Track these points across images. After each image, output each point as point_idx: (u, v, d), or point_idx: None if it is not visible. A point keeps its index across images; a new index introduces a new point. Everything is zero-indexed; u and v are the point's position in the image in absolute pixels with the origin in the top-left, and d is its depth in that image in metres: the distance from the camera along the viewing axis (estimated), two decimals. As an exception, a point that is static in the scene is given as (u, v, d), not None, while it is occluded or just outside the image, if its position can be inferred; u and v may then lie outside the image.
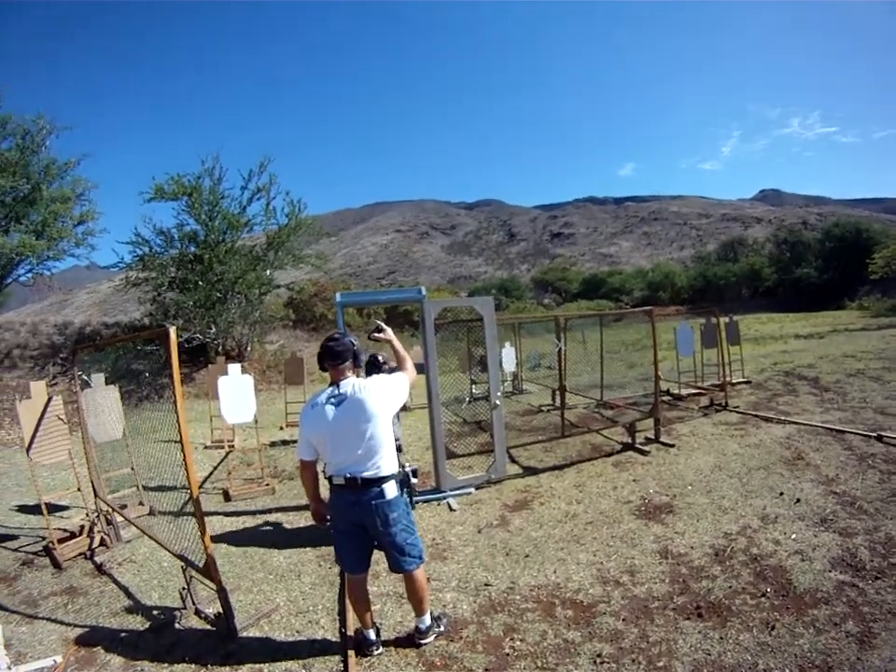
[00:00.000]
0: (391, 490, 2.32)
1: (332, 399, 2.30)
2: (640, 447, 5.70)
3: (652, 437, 5.92)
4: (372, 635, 2.54)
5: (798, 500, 4.06)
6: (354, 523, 2.35)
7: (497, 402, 4.73)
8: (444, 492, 4.60)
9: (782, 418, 6.46)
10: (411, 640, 2.58)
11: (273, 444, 7.25)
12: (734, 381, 8.81)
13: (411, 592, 2.51)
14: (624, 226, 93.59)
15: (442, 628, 2.64)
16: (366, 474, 2.27)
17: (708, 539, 3.57)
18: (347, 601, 2.76)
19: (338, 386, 2.32)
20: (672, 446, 5.69)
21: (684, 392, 8.39)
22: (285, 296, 18.10)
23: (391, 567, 2.46)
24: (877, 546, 3.33)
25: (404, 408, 4.61)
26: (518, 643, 2.57)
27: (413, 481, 2.78)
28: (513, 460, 5.62)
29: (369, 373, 3.63)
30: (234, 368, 5.13)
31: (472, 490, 4.70)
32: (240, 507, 4.92)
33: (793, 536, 3.52)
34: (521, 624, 2.72)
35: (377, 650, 2.52)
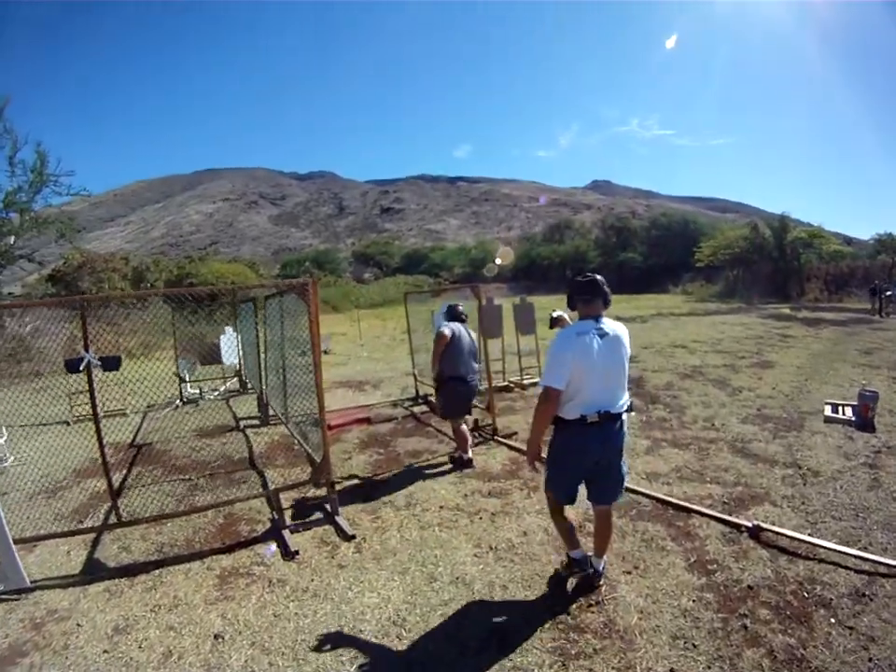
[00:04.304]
0: (626, 423, 2.34)
1: (596, 332, 2.24)
2: (293, 534, 3.12)
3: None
4: (580, 554, 2.51)
5: None
6: (595, 460, 2.28)
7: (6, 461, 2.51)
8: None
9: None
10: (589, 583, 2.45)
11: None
12: (524, 382, 6.32)
13: (604, 528, 2.45)
14: (455, 204, 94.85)
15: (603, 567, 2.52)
16: (617, 409, 2.26)
17: None
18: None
19: (597, 321, 2.28)
20: (351, 538, 3.02)
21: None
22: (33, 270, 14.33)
23: (599, 500, 2.41)
24: None
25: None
26: None
27: (632, 413, 2.67)
28: (94, 543, 3.25)
29: (451, 321, 4.05)
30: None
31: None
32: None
33: None
34: None
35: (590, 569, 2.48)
